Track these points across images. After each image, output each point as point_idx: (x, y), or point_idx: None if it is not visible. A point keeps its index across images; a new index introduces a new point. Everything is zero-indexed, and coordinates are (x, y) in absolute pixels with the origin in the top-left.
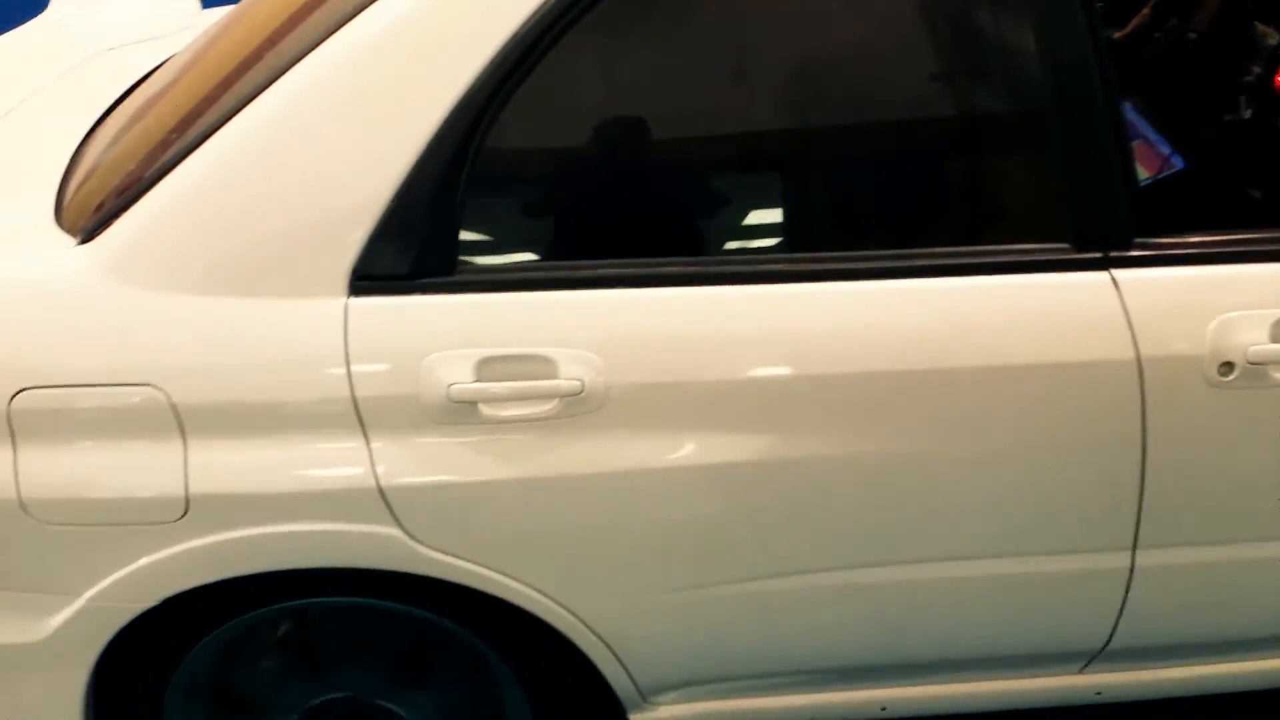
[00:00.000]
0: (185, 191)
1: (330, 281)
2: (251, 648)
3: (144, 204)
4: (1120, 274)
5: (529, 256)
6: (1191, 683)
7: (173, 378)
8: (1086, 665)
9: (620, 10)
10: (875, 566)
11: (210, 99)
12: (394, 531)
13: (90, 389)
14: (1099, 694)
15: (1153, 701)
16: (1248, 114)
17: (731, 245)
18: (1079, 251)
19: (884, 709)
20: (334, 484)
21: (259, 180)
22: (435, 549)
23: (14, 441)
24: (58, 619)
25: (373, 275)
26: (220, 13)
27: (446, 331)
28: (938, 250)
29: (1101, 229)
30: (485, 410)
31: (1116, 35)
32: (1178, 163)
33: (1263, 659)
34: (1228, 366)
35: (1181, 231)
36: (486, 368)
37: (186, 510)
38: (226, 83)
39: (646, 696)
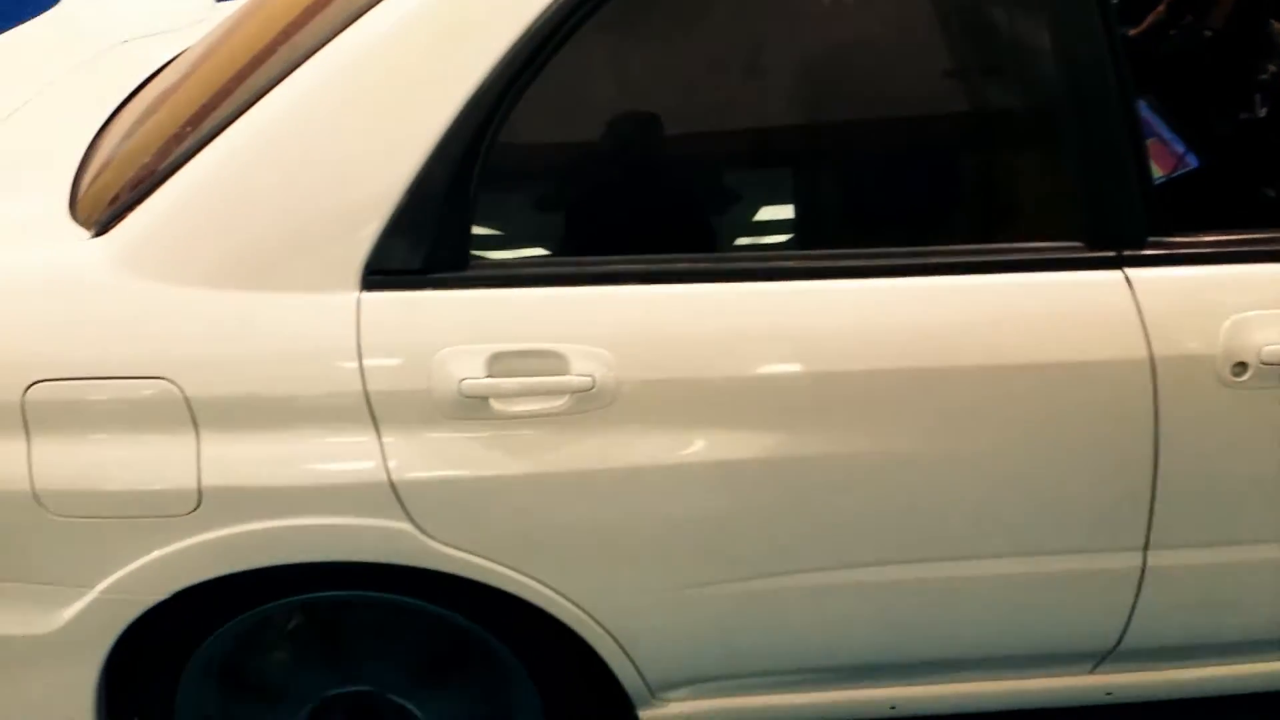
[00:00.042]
0: (199, 185)
1: (343, 276)
2: (263, 641)
3: (158, 197)
4: (1134, 273)
5: (541, 252)
6: (1202, 684)
7: (186, 371)
8: (1097, 665)
9: (632, 6)
10: (885, 565)
11: (224, 93)
12: (405, 526)
13: (104, 382)
14: (1109, 694)
15: (1163, 702)
16: (1263, 112)
17: (743, 242)
18: (1092, 250)
19: (893, 707)
20: (346, 478)
21: (273, 174)
22: (446, 544)
23: (28, 433)
24: (70, 611)
25: (385, 270)
26: (234, 7)
27: (458, 326)
28: (951, 248)
29: (1115, 228)
30: (496, 405)
31: (1131, 32)
32: (1192, 161)
33: (1274, 660)
34: (1241, 366)
35: (1195, 231)
36: (498, 363)
37: (199, 503)
38: (240, 77)
39: (655, 693)
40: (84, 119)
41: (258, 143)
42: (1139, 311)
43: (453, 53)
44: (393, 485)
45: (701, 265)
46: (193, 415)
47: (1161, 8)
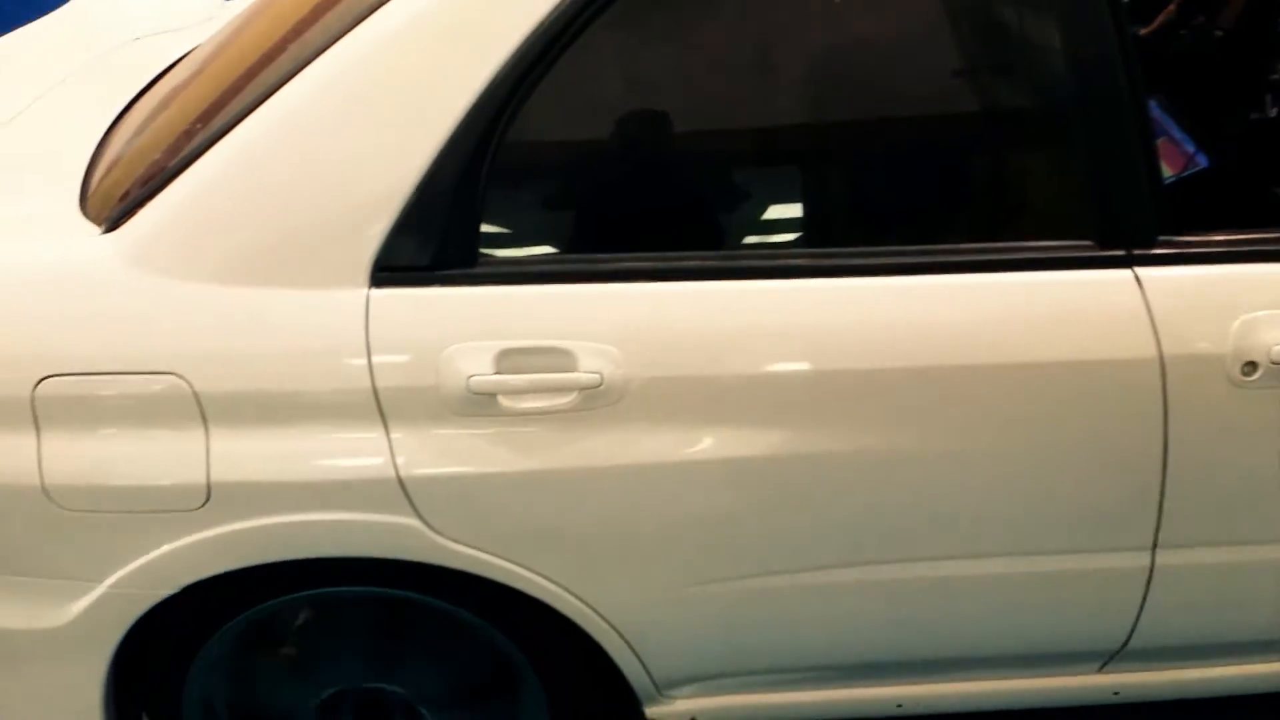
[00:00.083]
0: (209, 182)
1: (352, 272)
2: (271, 636)
3: (168, 194)
4: (1143, 272)
5: (549, 249)
6: (1210, 684)
7: (196, 366)
8: (1105, 665)
9: (641, 5)
10: (893, 563)
11: (234, 90)
12: (413, 522)
13: (114, 377)
14: (1117, 694)
15: (1171, 702)
16: (1273, 112)
17: (752, 240)
18: (1102, 249)
19: (900, 705)
20: (354, 474)
21: (282, 171)
22: (453, 540)
23: (38, 428)
24: (79, 605)
25: (394, 266)
26: (244, 4)
27: (467, 323)
28: (960, 246)
29: (1125, 227)
30: (504, 402)
31: (1142, 32)
32: (1202, 161)
33: None
34: (1251, 366)
35: (1205, 230)
36: (506, 360)
37: (208, 498)
38: (250, 74)
39: (661, 690)
40: (94, 116)
41: (268, 140)
42: (1149, 311)
43: (462, 50)
44: (401, 481)
45: (710, 263)
46: (202, 411)
47: (1172, 7)
